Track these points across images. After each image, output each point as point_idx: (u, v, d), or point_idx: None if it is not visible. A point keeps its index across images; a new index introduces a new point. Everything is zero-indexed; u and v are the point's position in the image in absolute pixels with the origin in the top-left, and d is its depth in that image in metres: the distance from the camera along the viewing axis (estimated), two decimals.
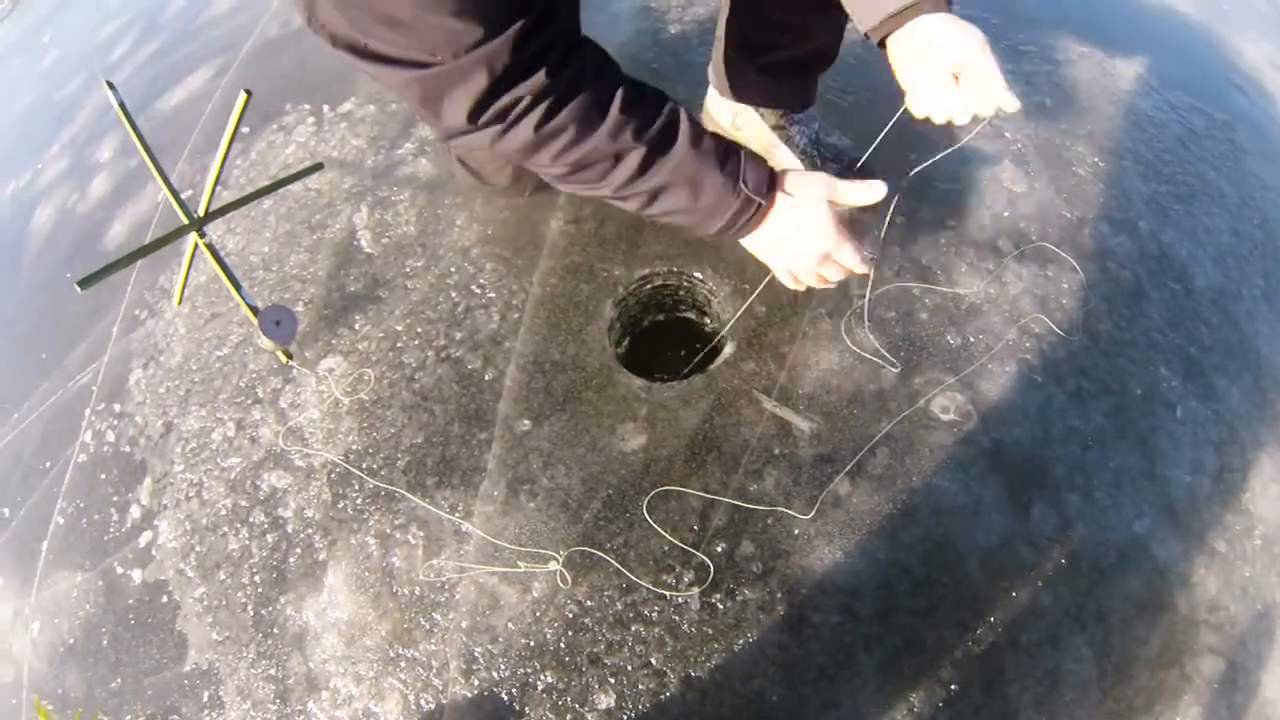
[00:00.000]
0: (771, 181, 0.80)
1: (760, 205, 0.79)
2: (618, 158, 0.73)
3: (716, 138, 0.78)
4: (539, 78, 0.64)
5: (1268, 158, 1.60)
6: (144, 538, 1.21)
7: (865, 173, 1.21)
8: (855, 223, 0.88)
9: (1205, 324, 1.29)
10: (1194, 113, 1.59)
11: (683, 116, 0.75)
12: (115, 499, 1.27)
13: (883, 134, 0.90)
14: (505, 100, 0.65)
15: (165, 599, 1.15)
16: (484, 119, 0.66)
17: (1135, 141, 1.48)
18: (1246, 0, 2.20)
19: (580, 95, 0.68)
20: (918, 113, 0.81)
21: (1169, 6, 1.93)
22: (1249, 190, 1.50)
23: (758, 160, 0.80)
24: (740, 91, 1.21)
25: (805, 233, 0.82)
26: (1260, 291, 1.38)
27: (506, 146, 0.69)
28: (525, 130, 0.67)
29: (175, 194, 1.26)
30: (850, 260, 0.85)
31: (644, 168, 0.74)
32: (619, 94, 0.70)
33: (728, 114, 1.28)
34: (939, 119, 0.79)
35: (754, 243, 0.86)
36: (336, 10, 0.58)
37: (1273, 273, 1.41)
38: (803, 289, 0.93)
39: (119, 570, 1.21)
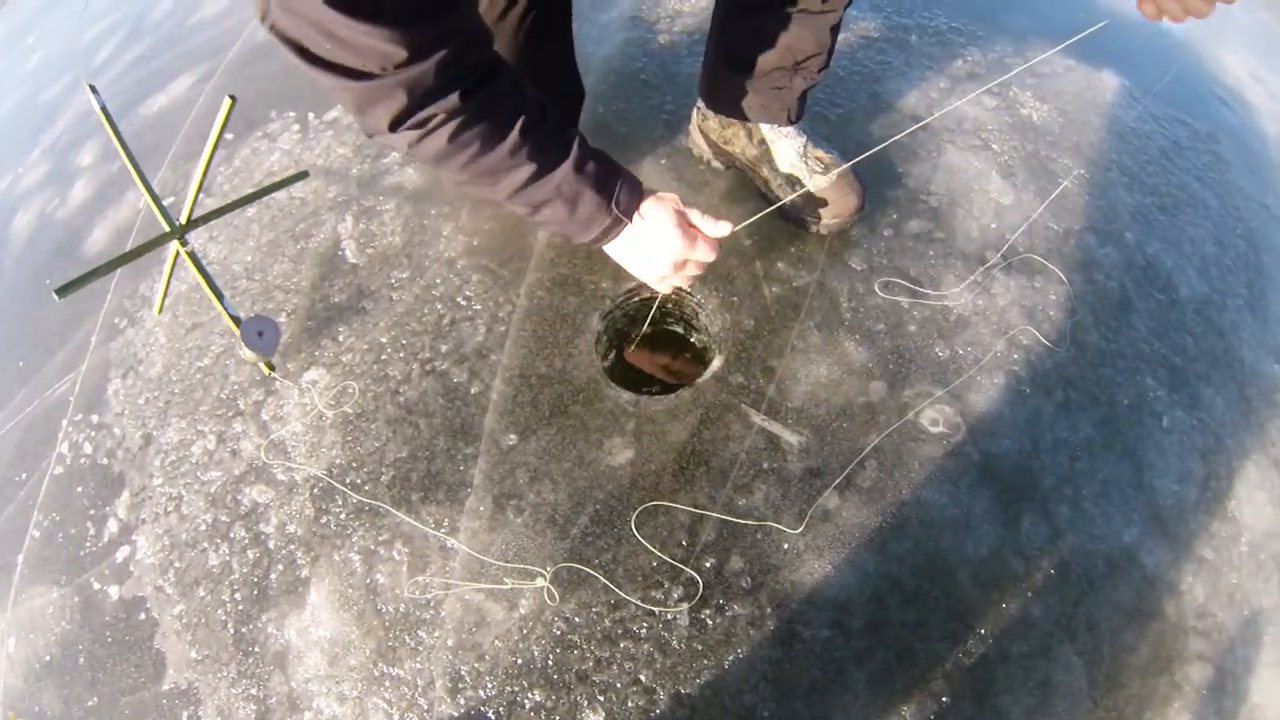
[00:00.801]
0: (641, 201, 0.94)
1: (625, 223, 0.94)
2: (512, 171, 0.84)
3: (601, 163, 0.90)
4: (453, 99, 0.74)
5: (1250, 169, 1.62)
6: (122, 553, 1.19)
7: (846, 178, 1.23)
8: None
9: (1190, 334, 1.30)
10: (1177, 125, 1.61)
11: (575, 143, 0.88)
12: (92, 512, 1.25)
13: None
14: (422, 115, 0.75)
15: (143, 616, 1.13)
16: (402, 129, 0.76)
17: (1120, 153, 1.50)
18: (1228, 13, 2.24)
19: (489, 116, 0.79)
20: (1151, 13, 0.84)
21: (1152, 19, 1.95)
22: (1232, 201, 1.52)
23: (632, 184, 0.93)
24: (728, 105, 1.21)
25: (655, 244, 0.96)
26: (1244, 301, 1.39)
27: (420, 153, 0.80)
28: (439, 141, 0.78)
29: (157, 200, 1.24)
30: (703, 257, 0.97)
31: (532, 181, 0.86)
32: (523, 117, 0.82)
33: (716, 127, 1.28)
34: (1180, 15, 0.81)
35: (615, 251, 0.99)
36: (284, 14, 0.65)
37: (1255, 283, 1.43)
38: (669, 290, 1.05)
39: (96, 586, 1.18)
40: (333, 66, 0.68)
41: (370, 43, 0.66)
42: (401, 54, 0.67)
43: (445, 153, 0.79)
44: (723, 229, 0.97)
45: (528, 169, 0.85)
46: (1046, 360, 1.20)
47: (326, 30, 0.64)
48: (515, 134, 0.81)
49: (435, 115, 0.75)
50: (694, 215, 0.97)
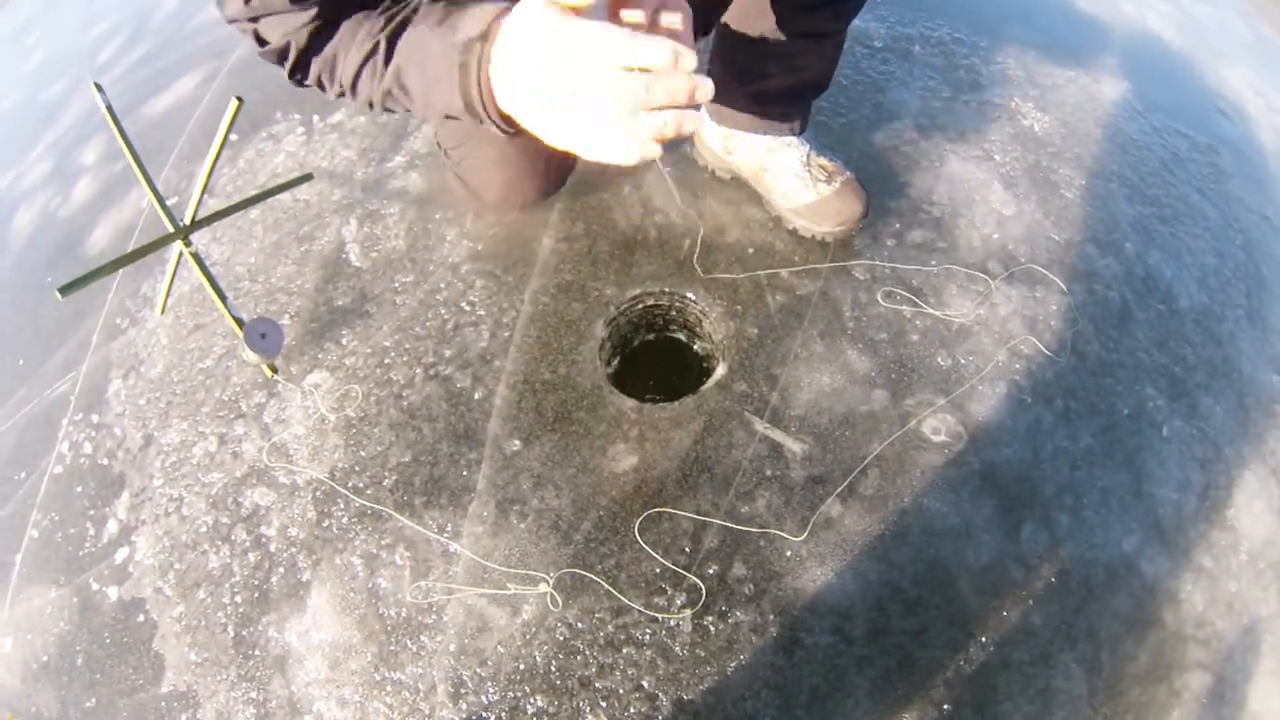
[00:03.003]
0: (494, 21, 0.63)
1: (480, 51, 0.64)
2: (369, 60, 0.74)
3: (450, 10, 0.68)
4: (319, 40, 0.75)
5: (1250, 180, 1.63)
6: (121, 554, 1.18)
7: (850, 187, 1.23)
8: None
9: (1190, 344, 1.31)
10: (1177, 136, 1.62)
11: (424, 5, 0.72)
12: (92, 513, 1.24)
13: None
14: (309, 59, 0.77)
15: (142, 617, 1.12)
16: (298, 76, 0.79)
17: (1120, 164, 1.51)
18: (1228, 26, 2.26)
19: (343, 27, 0.75)
20: None
21: (1153, 32, 1.97)
22: (1232, 212, 1.53)
23: (489, 6, 0.65)
24: (731, 117, 1.21)
25: (529, 63, 0.59)
26: (1243, 312, 1.40)
27: (328, 95, 0.80)
28: (313, 71, 0.78)
29: (161, 200, 1.24)
30: (651, 53, 0.53)
31: (388, 58, 0.73)
32: (375, 13, 0.74)
33: (719, 139, 1.28)
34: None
35: (515, 108, 0.63)
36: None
37: (1255, 293, 1.44)
38: (667, 131, 0.57)
39: (95, 587, 1.18)
40: (256, 37, 0.76)
41: (275, 19, 0.72)
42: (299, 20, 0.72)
43: (321, 82, 0.80)
44: None
45: (381, 48, 0.73)
46: (1047, 370, 1.20)
47: (247, 14, 0.71)
48: (365, 27, 0.74)
49: (307, 59, 0.77)
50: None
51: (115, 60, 2.21)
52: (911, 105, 1.51)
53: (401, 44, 0.71)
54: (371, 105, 0.79)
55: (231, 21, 0.76)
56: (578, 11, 0.56)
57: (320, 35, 0.74)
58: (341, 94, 0.80)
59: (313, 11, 0.70)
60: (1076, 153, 1.49)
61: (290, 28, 0.73)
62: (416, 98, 0.74)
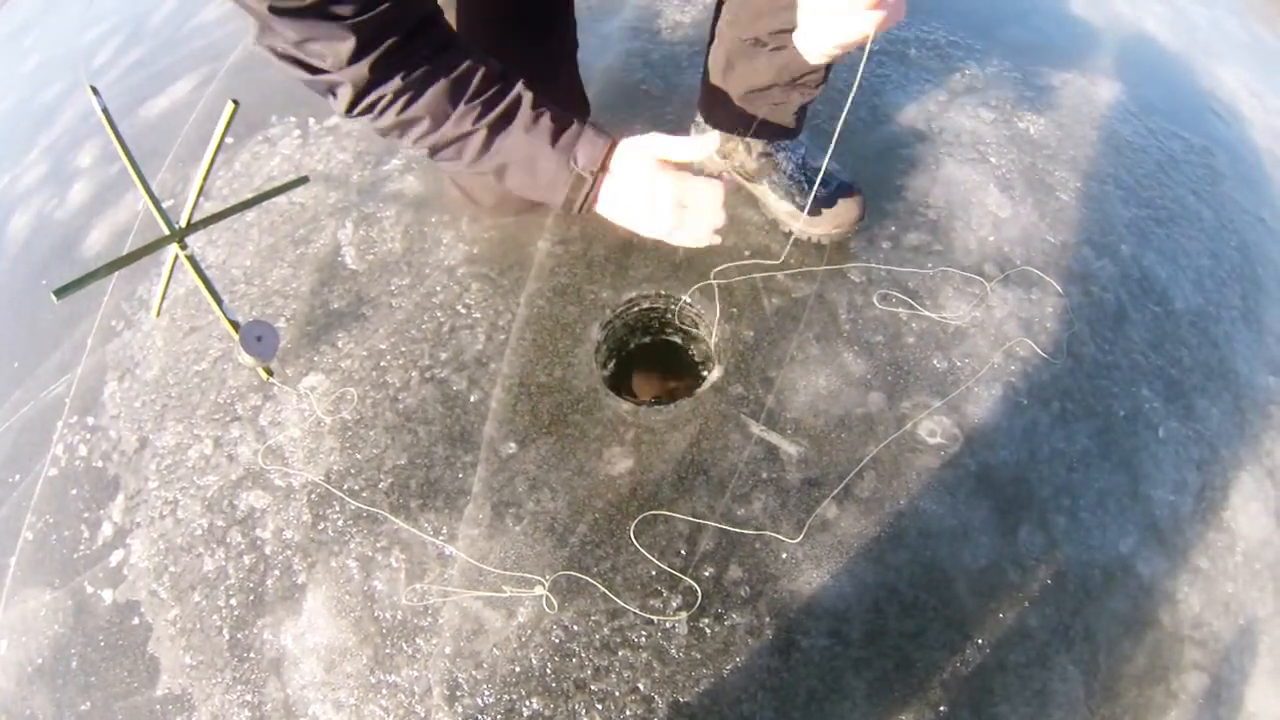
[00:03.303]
0: (609, 153, 0.86)
1: (594, 180, 0.86)
2: (466, 139, 0.85)
3: (559, 117, 0.85)
4: (395, 81, 0.80)
5: (1244, 182, 1.63)
6: (116, 556, 1.18)
7: (846, 190, 1.23)
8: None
9: (1185, 345, 1.31)
10: (1173, 138, 1.63)
11: (525, 101, 0.85)
12: (86, 515, 1.24)
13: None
14: (370, 99, 0.81)
15: (137, 620, 1.12)
16: (356, 112, 0.83)
17: (1116, 166, 1.51)
18: (1223, 28, 2.27)
19: (432, 89, 0.81)
20: (809, 51, 0.83)
21: (1148, 34, 1.98)
22: (1227, 214, 1.54)
23: (596, 135, 0.86)
24: (726, 121, 1.21)
25: (641, 198, 0.86)
26: (1238, 313, 1.40)
27: (379, 128, 0.85)
28: (389, 117, 0.83)
29: (157, 203, 1.24)
30: (705, 196, 0.86)
31: (486, 146, 0.85)
32: (471, 85, 0.83)
33: (715, 141, 1.28)
34: (831, 47, 0.81)
35: (608, 214, 0.91)
36: (254, 23, 0.75)
37: (1250, 295, 1.44)
38: (703, 243, 0.90)
39: (89, 589, 1.17)
40: (300, 64, 0.78)
41: (322, 43, 0.74)
42: (349, 50, 0.75)
43: (399, 128, 0.84)
44: (708, 141, 0.86)
45: (479, 136, 0.84)
46: (1043, 372, 1.20)
47: (284, 37, 0.74)
48: (463, 103, 0.83)
49: (382, 96, 0.81)
50: (674, 145, 0.84)
51: (112, 63, 2.21)
52: (908, 108, 1.52)
53: (507, 144, 0.85)
54: (432, 155, 0.89)
55: (276, 53, 0.78)
56: (663, 162, 0.84)
57: (379, 72, 0.79)
58: (399, 136, 0.86)
59: (353, 41, 0.74)
60: (1072, 155, 1.50)
61: (339, 57, 0.76)
62: (508, 183, 0.90)
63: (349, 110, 0.82)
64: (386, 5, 0.73)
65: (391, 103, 0.81)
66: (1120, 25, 1.96)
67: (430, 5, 0.82)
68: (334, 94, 0.81)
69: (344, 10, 0.71)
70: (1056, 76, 1.65)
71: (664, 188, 0.84)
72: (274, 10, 0.70)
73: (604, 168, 0.86)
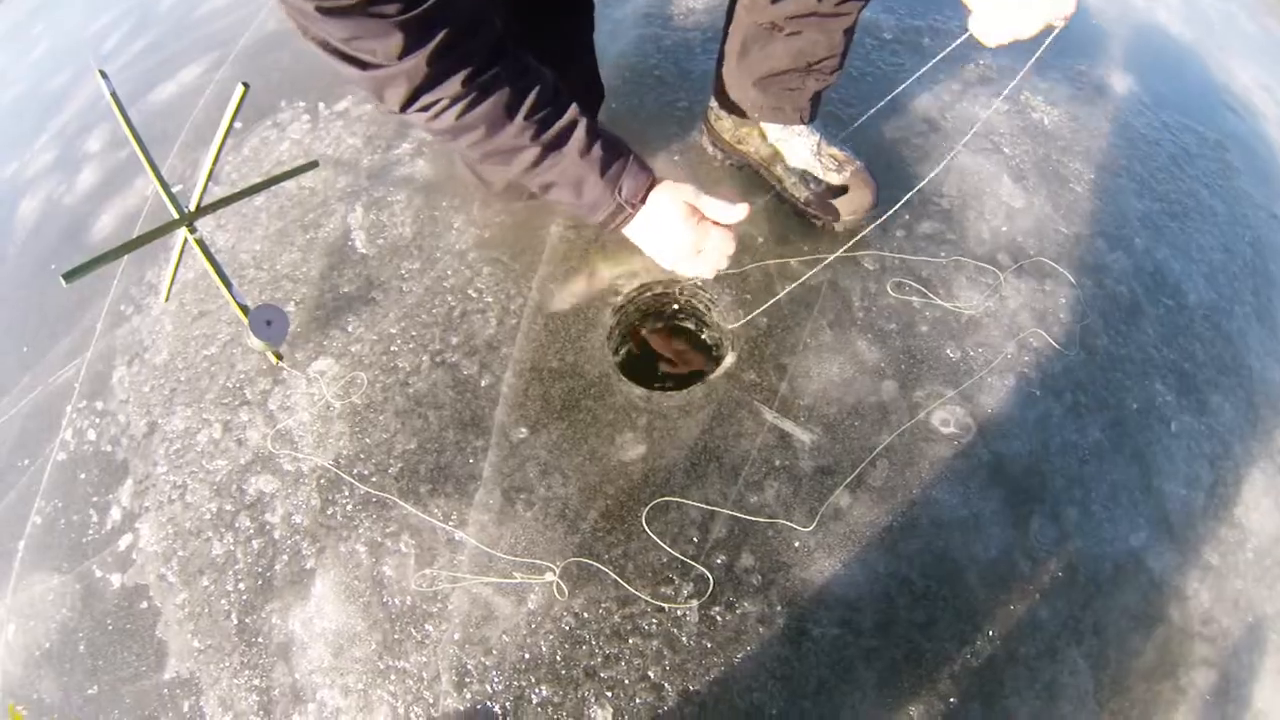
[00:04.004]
0: (649, 189, 0.95)
1: (632, 211, 0.95)
2: (520, 152, 0.89)
3: (608, 145, 0.91)
4: (455, 84, 0.81)
5: (1258, 177, 1.62)
6: (124, 540, 1.18)
7: (860, 177, 1.23)
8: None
9: (1199, 340, 1.30)
10: (1186, 132, 1.62)
11: (580, 125, 0.90)
12: (95, 499, 1.24)
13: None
14: (427, 99, 0.82)
15: (145, 604, 1.12)
16: (411, 110, 0.84)
17: (1130, 159, 1.50)
18: (1237, 23, 2.25)
19: (492, 98, 0.84)
20: (984, 36, 0.87)
21: (1162, 28, 1.97)
22: (1240, 209, 1.53)
23: (640, 170, 0.94)
24: (741, 106, 1.21)
25: (663, 237, 0.97)
26: (1251, 308, 1.40)
27: (434, 130, 0.87)
28: (447, 120, 0.84)
29: (166, 187, 1.23)
30: (716, 249, 0.98)
31: (538, 163, 0.90)
32: (528, 100, 0.86)
33: (730, 126, 1.28)
34: (1005, 37, 0.86)
35: (630, 236, 1.00)
36: (302, 17, 0.75)
37: (1263, 290, 1.43)
38: (695, 276, 1.03)
39: (98, 573, 1.17)
40: (349, 59, 0.78)
41: (370, 40, 0.75)
42: (397, 45, 0.75)
43: (453, 131, 0.86)
44: (739, 211, 0.96)
45: (533, 151, 0.88)
46: (1056, 363, 1.20)
47: (337, 30, 0.75)
48: (520, 118, 0.86)
49: (440, 99, 0.82)
50: (709, 205, 0.96)
51: (120, 49, 2.21)
52: (922, 97, 1.51)
53: (559, 165, 0.90)
54: (481, 159, 0.95)
55: (325, 48, 0.79)
56: (693, 209, 0.95)
57: (437, 67, 0.79)
58: (452, 138, 0.89)
59: (400, 37, 0.76)
60: (1086, 147, 1.49)
61: (389, 53, 0.77)
62: (550, 196, 0.96)
63: (404, 106, 0.83)
64: (431, 2, 0.74)
65: (449, 107, 0.83)
66: (1134, 19, 1.94)
67: (479, 10, 0.83)
68: (385, 90, 0.82)
69: (389, 9, 0.72)
70: (1071, 68, 1.64)
71: (686, 236, 0.95)
72: (322, 10, 0.71)
73: (642, 200, 0.94)
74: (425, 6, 0.74)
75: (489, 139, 0.87)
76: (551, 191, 0.95)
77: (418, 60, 0.77)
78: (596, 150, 0.90)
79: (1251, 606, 1.14)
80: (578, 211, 0.97)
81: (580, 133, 0.89)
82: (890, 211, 1.21)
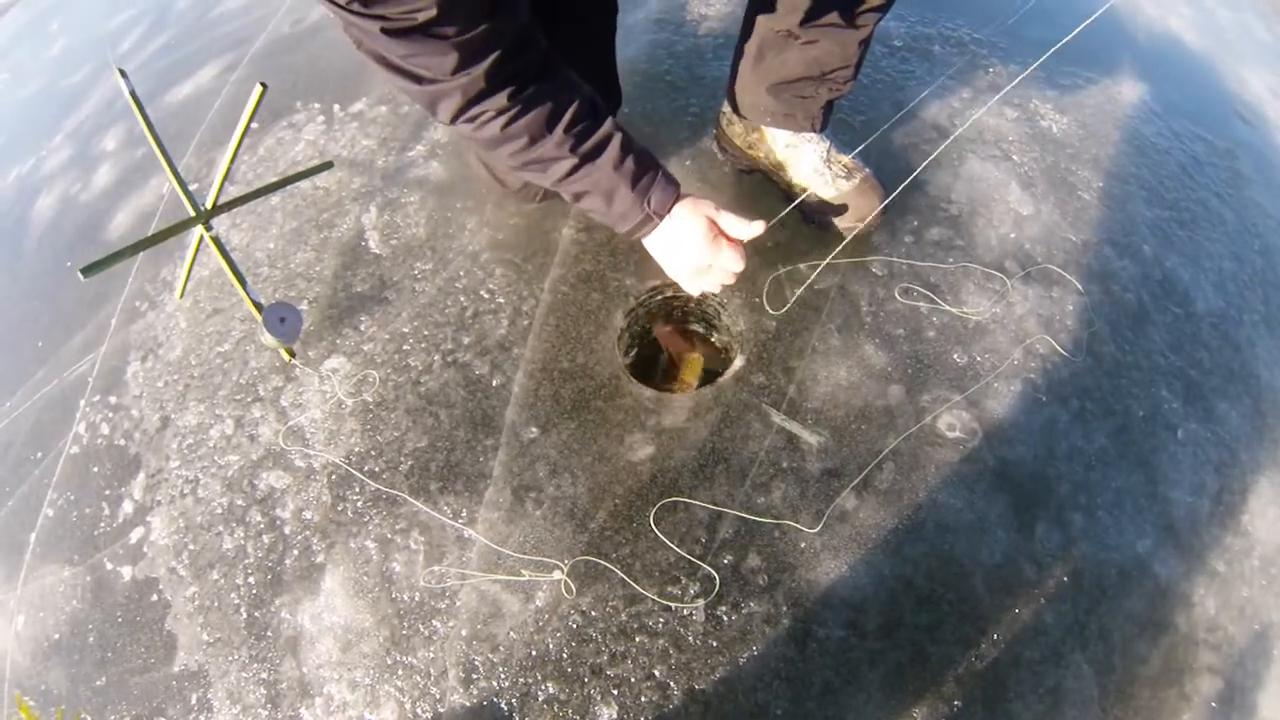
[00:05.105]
0: (674, 202, 1.00)
1: (657, 221, 1.00)
2: (556, 162, 0.94)
3: (640, 160, 0.96)
4: (502, 97, 0.86)
5: (1268, 185, 1.62)
6: (135, 534, 1.19)
7: (869, 183, 1.24)
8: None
9: (1206, 348, 1.30)
10: (1196, 140, 1.62)
11: (615, 140, 0.95)
12: (107, 493, 1.25)
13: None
14: (475, 111, 0.87)
15: (155, 597, 1.13)
16: (459, 121, 0.89)
17: (1139, 167, 1.50)
18: (1249, 30, 2.25)
19: (535, 111, 0.89)
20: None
21: (1173, 35, 1.97)
22: (1250, 217, 1.53)
23: (668, 184, 0.99)
24: (754, 112, 1.22)
25: (681, 249, 1.02)
26: (1260, 317, 1.40)
27: (477, 137, 0.92)
28: (492, 130, 0.89)
29: (183, 184, 1.25)
30: (728, 266, 1.02)
31: (573, 173, 0.95)
32: (569, 113, 0.91)
33: (741, 131, 1.29)
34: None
35: (649, 245, 1.06)
36: (362, 33, 0.79)
37: (1272, 299, 1.43)
38: (698, 291, 1.09)
39: (108, 566, 1.18)
40: (405, 73, 0.83)
41: (427, 57, 0.80)
42: (453, 63, 0.81)
43: (497, 141, 0.91)
44: (755, 228, 1.01)
45: (569, 162, 0.94)
46: (1063, 369, 1.20)
47: (395, 48, 0.79)
48: (560, 130, 0.91)
49: (486, 111, 0.87)
50: (727, 221, 1.01)
51: (137, 49, 2.23)
52: (931, 104, 1.52)
53: (593, 176, 0.95)
54: (520, 167, 0.98)
55: (382, 62, 0.83)
56: (713, 224, 1.00)
57: (491, 82, 0.84)
58: (494, 147, 0.94)
59: (455, 56, 0.81)
60: (1095, 154, 1.49)
61: (444, 69, 0.82)
62: (581, 204, 1.01)
63: (454, 118, 0.89)
64: (485, 26, 0.79)
65: (496, 117, 0.88)
66: (1145, 26, 1.95)
67: (523, 21, 0.87)
68: (439, 103, 0.87)
69: (448, 31, 0.77)
70: (1080, 76, 1.65)
71: (701, 251, 1.00)
72: (385, 31, 0.76)
73: (668, 212, 1.00)
74: (481, 29, 0.79)
75: (530, 149, 0.92)
76: (584, 200, 1.00)
77: (471, 77, 0.83)
78: (630, 164, 0.95)
79: (1258, 614, 1.14)
80: (605, 219, 1.02)
81: (615, 146, 0.94)
82: (882, 207, 1.21)
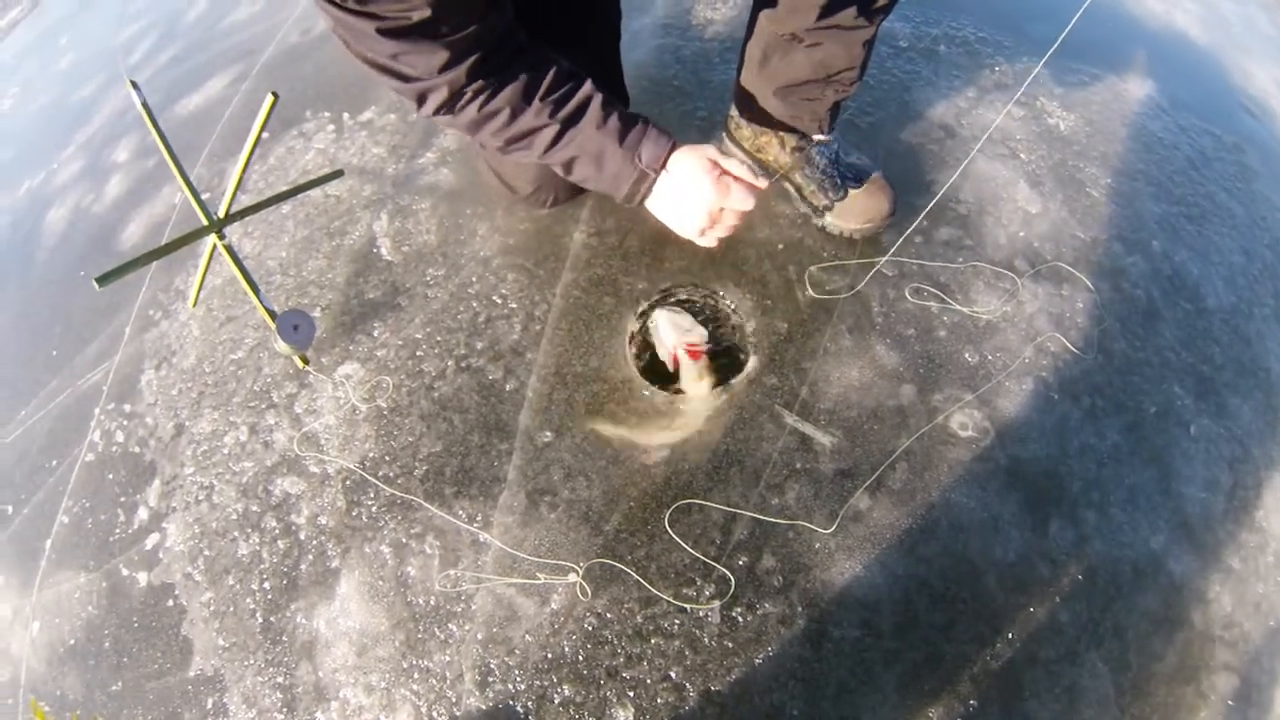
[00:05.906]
0: (669, 155, 0.95)
1: (655, 176, 0.95)
2: (539, 132, 0.92)
3: (625, 117, 0.93)
4: (479, 83, 0.87)
5: (1277, 179, 1.62)
6: (151, 540, 1.20)
7: (878, 185, 1.24)
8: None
9: (1217, 343, 1.30)
10: (1204, 135, 1.62)
11: (595, 100, 0.92)
12: (122, 500, 1.26)
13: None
14: (460, 103, 0.89)
15: (171, 602, 1.14)
16: (443, 113, 0.90)
17: (1147, 163, 1.50)
18: (1255, 24, 2.25)
19: (511, 86, 0.89)
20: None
21: (1179, 30, 1.97)
22: (1259, 211, 1.52)
23: (659, 135, 0.94)
24: (761, 115, 1.23)
25: (687, 198, 0.96)
26: (1270, 311, 1.39)
27: (458, 124, 0.92)
28: (470, 113, 0.90)
29: (196, 194, 1.26)
30: (739, 204, 0.96)
31: (557, 140, 0.93)
32: (545, 81, 0.90)
33: (749, 135, 1.29)
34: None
35: (654, 208, 1.00)
36: (351, 33, 0.80)
37: None
38: (711, 244, 1.03)
39: (124, 572, 1.19)
40: (392, 73, 0.84)
41: (416, 56, 0.81)
42: (441, 62, 0.82)
43: (478, 123, 0.91)
44: (759, 181, 0.97)
45: (552, 129, 0.92)
46: (1074, 367, 1.20)
47: (383, 49, 0.81)
48: (538, 99, 0.90)
49: (463, 94, 0.88)
50: (730, 164, 0.96)
51: (147, 60, 2.25)
52: (937, 104, 1.52)
53: (578, 139, 0.92)
54: (506, 146, 0.96)
55: (369, 63, 0.84)
56: (716, 164, 0.93)
57: (472, 76, 0.86)
58: (475, 130, 0.93)
59: (445, 54, 0.82)
60: (1102, 151, 1.49)
61: (431, 68, 0.83)
62: (574, 175, 0.98)
63: (437, 111, 0.89)
64: (476, 25, 0.81)
65: (473, 99, 0.88)
66: (1151, 21, 1.95)
67: (508, 17, 0.89)
68: (426, 98, 0.88)
69: (441, 30, 0.79)
70: (1086, 72, 1.65)
71: (709, 192, 0.93)
72: (380, 31, 0.77)
73: (663, 166, 0.95)
74: (472, 29, 0.81)
75: (511, 124, 0.91)
76: (574, 169, 0.97)
77: (457, 73, 0.84)
78: (614, 121, 0.92)
79: (1273, 610, 1.13)
80: (602, 186, 0.98)
81: (596, 106, 0.92)
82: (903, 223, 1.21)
